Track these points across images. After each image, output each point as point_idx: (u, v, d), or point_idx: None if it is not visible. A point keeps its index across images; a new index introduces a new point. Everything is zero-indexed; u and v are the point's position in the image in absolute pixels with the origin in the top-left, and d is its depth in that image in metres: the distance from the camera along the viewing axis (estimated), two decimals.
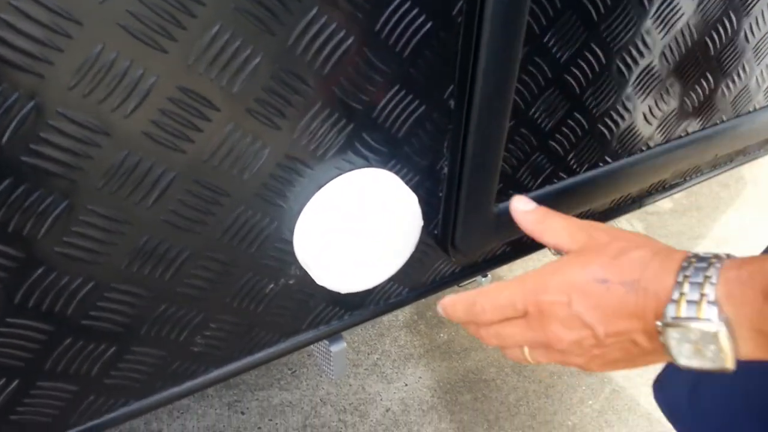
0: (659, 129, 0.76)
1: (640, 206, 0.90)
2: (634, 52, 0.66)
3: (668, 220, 2.27)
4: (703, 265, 0.38)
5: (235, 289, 0.56)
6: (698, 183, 0.94)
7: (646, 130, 0.75)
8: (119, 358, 0.53)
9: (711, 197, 2.41)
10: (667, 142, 0.78)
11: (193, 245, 0.51)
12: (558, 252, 0.48)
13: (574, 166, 0.72)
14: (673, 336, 0.37)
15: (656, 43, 0.67)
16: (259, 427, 1.49)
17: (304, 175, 0.53)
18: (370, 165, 0.56)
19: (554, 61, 0.60)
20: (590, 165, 0.73)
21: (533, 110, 0.63)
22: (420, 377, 1.65)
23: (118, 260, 0.48)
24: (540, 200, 0.69)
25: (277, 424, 1.50)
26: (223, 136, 0.47)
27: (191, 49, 0.42)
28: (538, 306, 0.43)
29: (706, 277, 0.37)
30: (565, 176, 0.72)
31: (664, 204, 2.38)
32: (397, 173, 0.58)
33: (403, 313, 1.82)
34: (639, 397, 1.65)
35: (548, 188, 0.71)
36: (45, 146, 0.40)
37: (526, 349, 0.47)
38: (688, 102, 0.76)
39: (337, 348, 0.90)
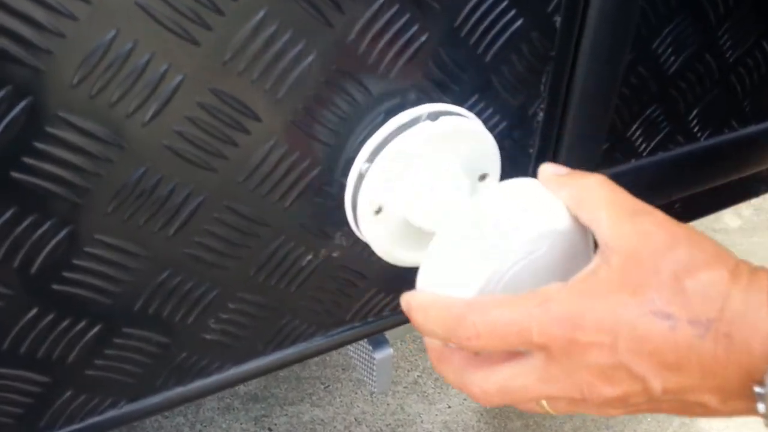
0: None
1: (755, 194, 0.74)
2: None
3: (737, 238, 2.07)
4: None
5: (262, 257, 0.42)
6: None
7: None
8: (106, 341, 0.40)
9: None
10: None
11: (207, 187, 0.37)
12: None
13: (695, 129, 0.56)
14: None
15: None
16: None
17: (360, 101, 0.39)
18: (445, 99, 0.42)
19: None
20: (714, 129, 0.58)
21: (657, 42, 0.48)
22: (465, 399, 1.50)
23: (100, 200, 0.35)
24: (650, 170, 0.54)
25: None
26: (247, 29, 0.33)
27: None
28: (566, 346, 0.30)
29: None
30: (683, 141, 0.56)
31: (731, 221, 2.18)
32: (478, 115, 0.44)
33: None
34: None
35: (661, 155, 0.56)
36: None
37: (543, 402, 0.32)
38: None
39: (381, 355, 0.76)
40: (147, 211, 0.36)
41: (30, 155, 0.32)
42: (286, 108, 0.37)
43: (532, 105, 0.47)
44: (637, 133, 0.53)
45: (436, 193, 0.41)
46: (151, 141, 0.34)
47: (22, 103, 0.30)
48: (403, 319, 0.52)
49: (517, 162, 0.49)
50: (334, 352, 1.52)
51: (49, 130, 0.32)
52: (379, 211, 0.42)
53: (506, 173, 0.48)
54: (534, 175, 0.51)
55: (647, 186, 0.56)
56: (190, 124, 0.35)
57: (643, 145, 0.54)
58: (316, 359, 1.55)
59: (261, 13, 0.33)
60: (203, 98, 0.34)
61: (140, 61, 0.32)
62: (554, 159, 0.49)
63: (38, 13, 0.29)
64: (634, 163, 0.54)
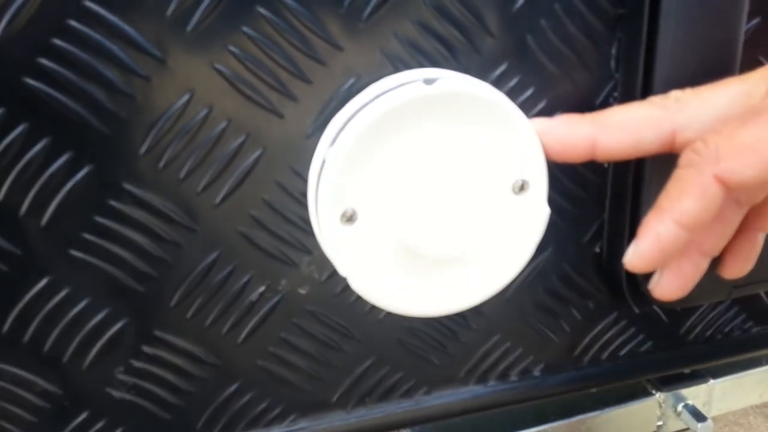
0: None
1: None
2: None
3: None
4: None
5: (185, 275, 0.30)
6: None
7: None
8: None
9: None
10: None
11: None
12: None
13: None
14: None
15: None
16: None
17: (328, 60, 0.28)
18: (457, 66, 0.30)
19: None
20: None
21: None
22: None
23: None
24: None
25: None
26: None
27: None
28: None
29: None
30: None
31: None
32: (512, 95, 0.31)
33: None
34: None
35: None
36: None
37: None
38: None
39: None
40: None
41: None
42: None
43: (599, 89, 0.32)
44: None
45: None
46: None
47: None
48: (416, 417, 0.36)
49: (579, 172, 0.33)
50: None
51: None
52: (351, 218, 0.29)
53: (564, 187, 0.33)
54: (611, 190, 0.35)
55: None
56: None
57: None
58: None
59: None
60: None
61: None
62: (637, 170, 0.33)
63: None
64: None
